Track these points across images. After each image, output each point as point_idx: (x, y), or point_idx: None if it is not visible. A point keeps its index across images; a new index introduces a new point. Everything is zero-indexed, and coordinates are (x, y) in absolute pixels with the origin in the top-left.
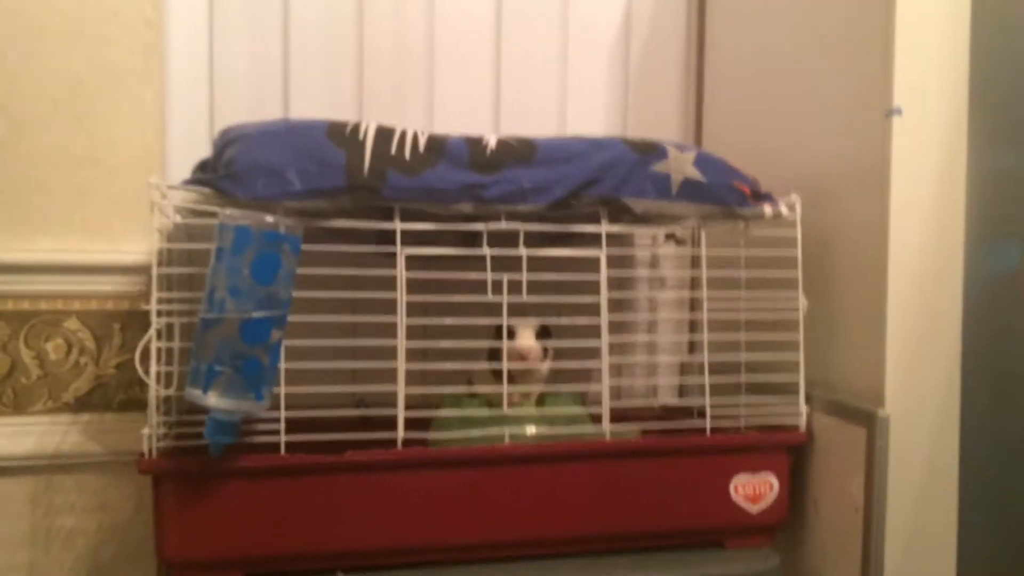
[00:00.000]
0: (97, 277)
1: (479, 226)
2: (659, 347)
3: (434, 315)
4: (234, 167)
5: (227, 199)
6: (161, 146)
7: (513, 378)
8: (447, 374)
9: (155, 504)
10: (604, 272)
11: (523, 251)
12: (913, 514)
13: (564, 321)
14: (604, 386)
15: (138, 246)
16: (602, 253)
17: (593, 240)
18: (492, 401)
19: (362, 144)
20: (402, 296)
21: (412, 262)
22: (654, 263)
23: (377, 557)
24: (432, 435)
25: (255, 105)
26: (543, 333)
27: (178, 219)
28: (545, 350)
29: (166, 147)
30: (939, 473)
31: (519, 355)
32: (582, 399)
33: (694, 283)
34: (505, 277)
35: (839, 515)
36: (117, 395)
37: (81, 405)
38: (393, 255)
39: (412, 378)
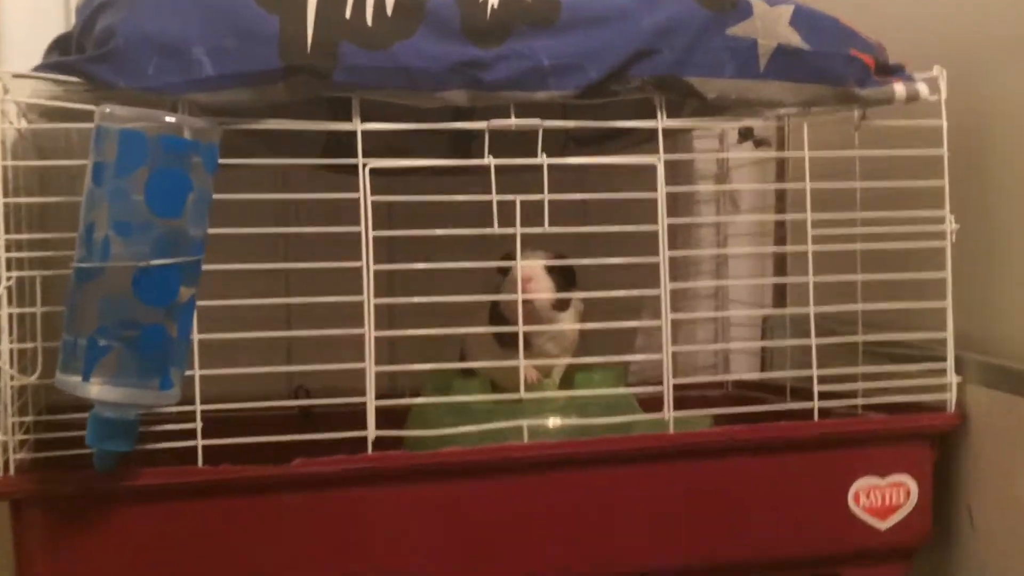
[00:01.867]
0: None
1: (477, 124)
2: (732, 296)
3: (410, 258)
4: (112, 43)
5: (103, 90)
6: None
7: (528, 346)
8: (431, 344)
9: (15, 541)
10: (663, 188)
11: (543, 159)
12: None
13: (597, 262)
14: (665, 353)
15: None
16: (659, 160)
17: (643, 142)
18: (498, 382)
19: (303, 5)
20: (367, 230)
21: (379, 181)
22: (723, 173)
23: None
24: (412, 433)
25: None
26: (563, 276)
27: (24, 124)
28: (561, 300)
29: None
30: None
31: (515, 284)
32: (624, 375)
33: (784, 202)
34: (517, 200)
35: (1005, 527)
36: None
37: None
38: (351, 170)
39: (380, 352)
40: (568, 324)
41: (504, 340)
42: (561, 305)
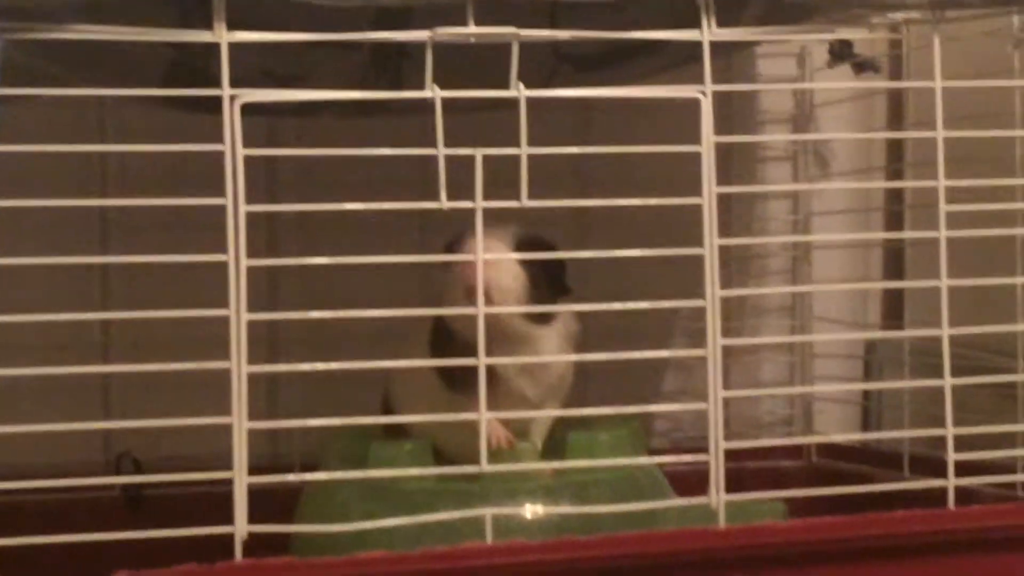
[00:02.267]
0: None
1: (414, 35)
2: (817, 312)
3: (305, 249)
4: None
5: None
6: None
7: (493, 386)
8: (336, 385)
9: None
10: (709, 138)
11: (519, 91)
12: None
13: (602, 255)
14: (712, 401)
15: None
16: (705, 93)
17: (677, 65)
18: (444, 446)
19: None
20: (235, 203)
21: (255, 125)
22: (804, 115)
23: None
24: (306, 529)
25: None
26: (544, 272)
27: None
28: (541, 312)
29: None
30: None
31: (465, 284)
32: (645, 436)
33: (900, 160)
34: (477, 156)
35: None
36: None
37: None
38: (210, 107)
39: (256, 398)
40: (553, 349)
41: (454, 378)
42: (541, 318)
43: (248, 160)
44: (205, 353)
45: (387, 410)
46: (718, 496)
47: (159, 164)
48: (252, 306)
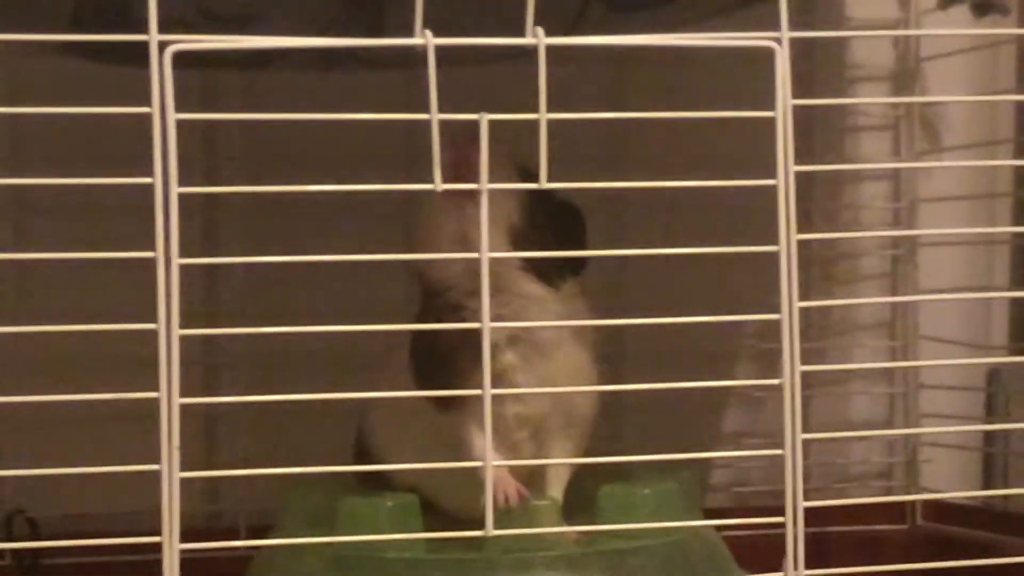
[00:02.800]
0: None
1: None
2: (923, 329)
3: (255, 245)
4: None
5: None
6: None
7: (494, 409)
8: (293, 422)
9: None
10: (786, 98)
11: (537, 38)
12: None
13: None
14: (789, 445)
15: None
16: (781, 41)
17: (740, 5)
18: (436, 499)
19: None
20: (165, 182)
21: (190, 80)
22: (907, 71)
23: None
24: None
25: None
26: (550, 213)
27: None
28: (546, 264)
29: None
30: None
31: (451, 165)
32: (701, 490)
33: None
34: (482, 120)
35: None
36: None
37: None
38: (133, 57)
39: (191, 438)
40: (558, 316)
41: (444, 394)
42: (544, 275)
43: (182, 127)
44: (126, 380)
45: (362, 454)
46: (796, 572)
47: (68, 131)
48: (187, 319)
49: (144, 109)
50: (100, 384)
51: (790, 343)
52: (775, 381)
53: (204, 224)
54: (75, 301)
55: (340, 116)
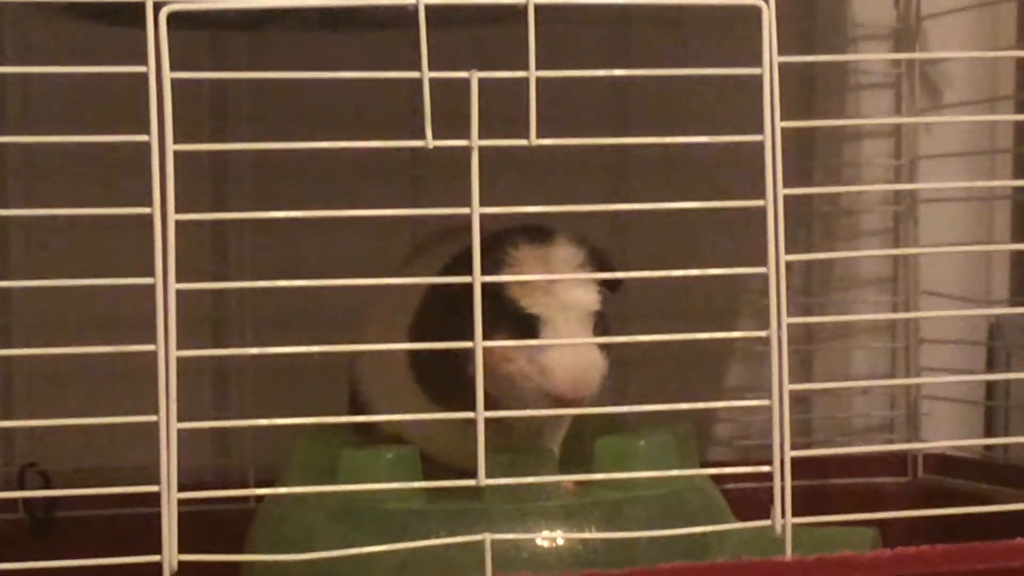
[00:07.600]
0: None
1: None
2: (924, 285)
3: (259, 201)
4: None
5: None
6: None
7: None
8: (295, 376)
9: None
10: (772, 55)
11: None
12: None
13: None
14: (776, 395)
15: None
16: None
17: None
18: (432, 451)
19: None
20: (161, 142)
21: (185, 42)
22: (908, 28)
23: None
24: (259, 557)
25: None
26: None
27: None
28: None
29: None
30: None
31: (558, 391)
32: (694, 441)
33: None
34: (473, 78)
35: None
36: None
37: None
38: (126, 18)
39: (191, 391)
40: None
41: (447, 398)
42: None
43: (190, 88)
44: (127, 333)
45: (355, 403)
46: (783, 519)
47: (77, 94)
48: (184, 271)
49: (139, 68)
50: (112, 339)
51: (776, 295)
52: (762, 333)
53: (213, 184)
54: (81, 260)
55: (341, 74)
